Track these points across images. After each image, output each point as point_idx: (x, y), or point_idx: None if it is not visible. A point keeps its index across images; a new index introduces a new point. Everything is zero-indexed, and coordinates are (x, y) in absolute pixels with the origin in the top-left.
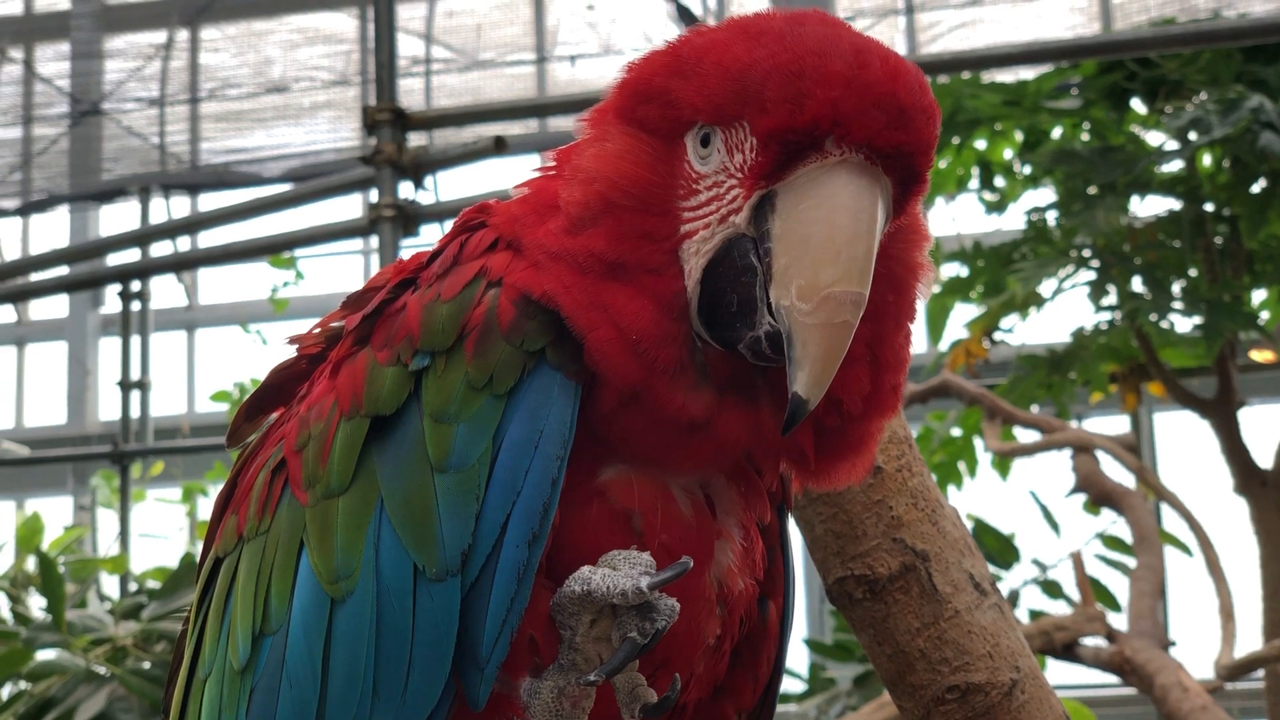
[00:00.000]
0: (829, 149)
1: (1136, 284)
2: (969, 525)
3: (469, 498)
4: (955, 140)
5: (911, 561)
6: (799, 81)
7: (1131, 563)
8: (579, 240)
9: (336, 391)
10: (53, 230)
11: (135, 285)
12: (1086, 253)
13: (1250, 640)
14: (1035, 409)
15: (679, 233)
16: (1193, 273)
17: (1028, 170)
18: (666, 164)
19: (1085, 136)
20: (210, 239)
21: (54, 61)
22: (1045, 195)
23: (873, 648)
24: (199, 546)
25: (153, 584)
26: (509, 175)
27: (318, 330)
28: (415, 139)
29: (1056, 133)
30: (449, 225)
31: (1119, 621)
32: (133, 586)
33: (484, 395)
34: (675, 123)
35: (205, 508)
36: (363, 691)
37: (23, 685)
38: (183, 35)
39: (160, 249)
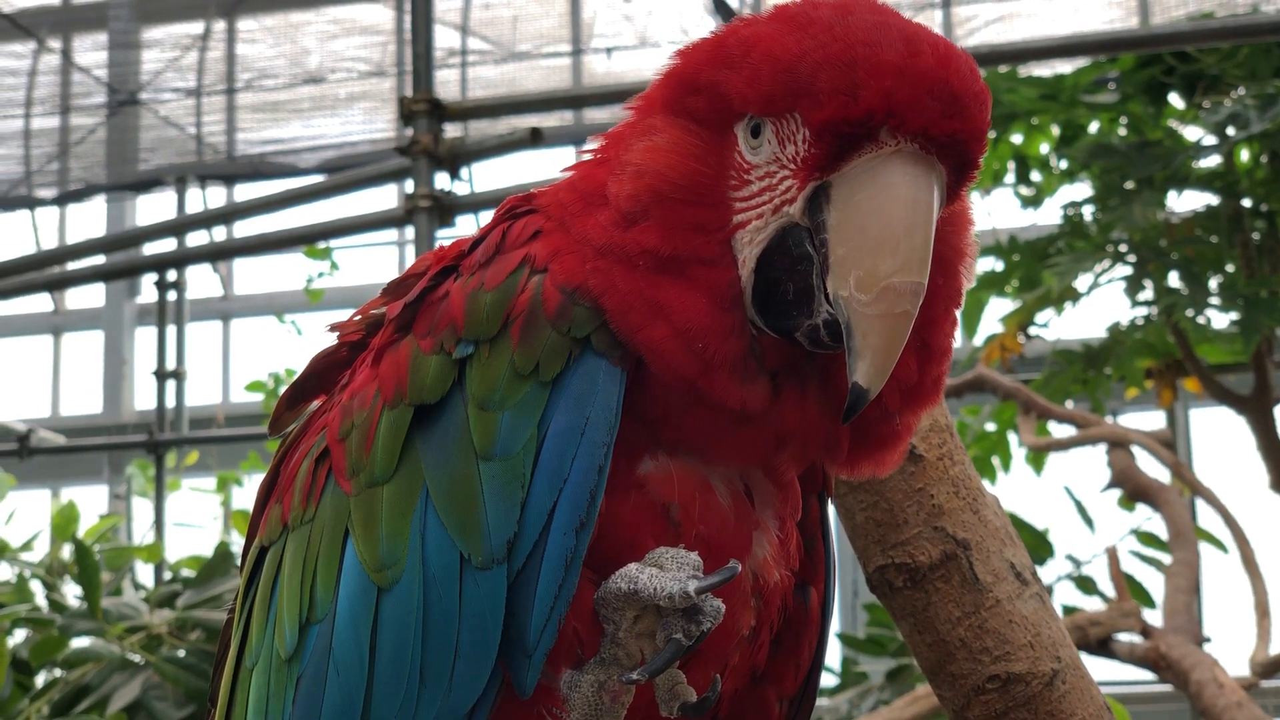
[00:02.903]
0: (884, 139)
1: (1173, 279)
2: None
3: (514, 485)
4: (991, 134)
5: (952, 550)
6: (852, 72)
7: (1166, 559)
8: (630, 235)
9: (379, 380)
10: (89, 220)
11: (171, 275)
12: (1123, 248)
13: None
14: (1070, 404)
15: (731, 223)
16: (1230, 268)
17: (1064, 165)
18: (717, 155)
19: (1122, 131)
20: (246, 229)
21: (92, 51)
22: (1082, 190)
23: (913, 636)
24: (233, 536)
25: (187, 573)
26: (544, 166)
27: (358, 318)
28: (451, 130)
29: (1093, 127)
30: (484, 216)
31: (1154, 617)
32: (167, 575)
33: (529, 382)
34: (725, 114)
35: (239, 497)
36: (409, 679)
37: (58, 672)
38: (220, 26)
39: (196, 239)
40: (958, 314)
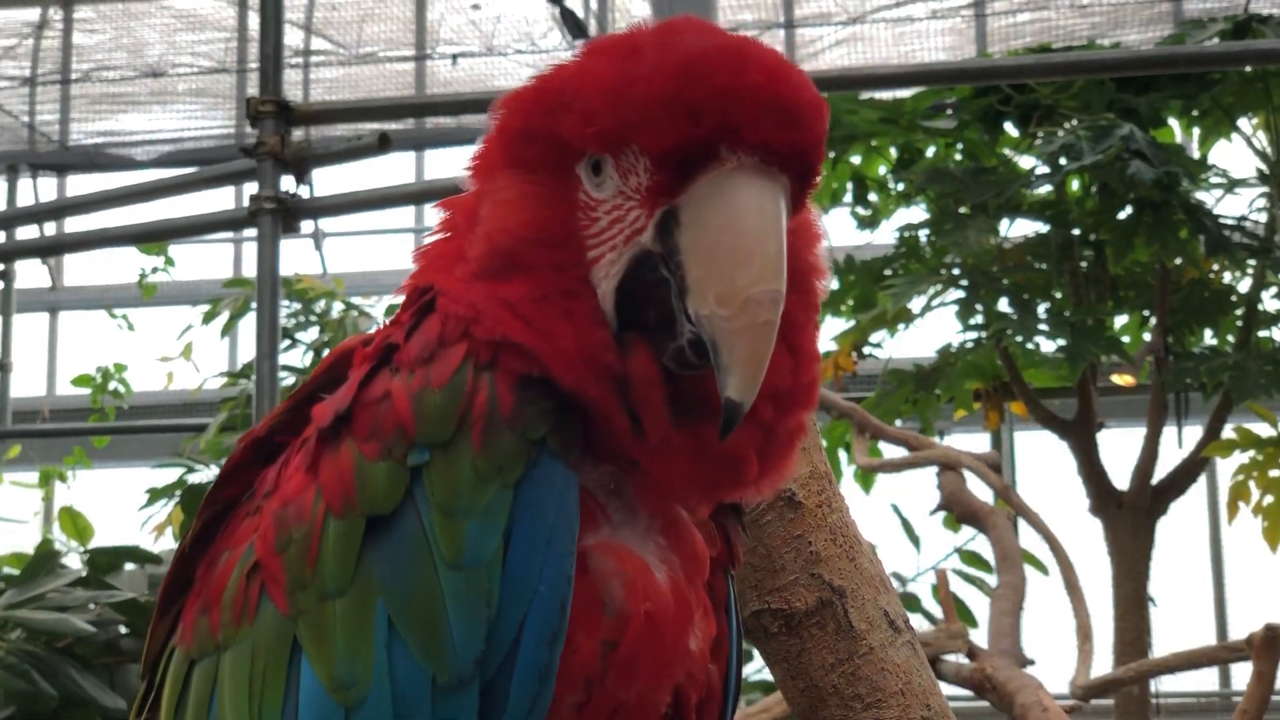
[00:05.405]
0: (724, 156)
1: (1003, 304)
2: None
3: (480, 598)
4: (831, 155)
5: (828, 597)
6: (684, 95)
7: (990, 579)
8: (498, 288)
9: (321, 488)
10: None
11: None
12: (956, 271)
13: (1100, 660)
14: (899, 424)
15: (587, 259)
16: (1058, 295)
17: (901, 187)
18: (561, 197)
19: (959, 157)
20: (79, 223)
21: None
22: (918, 213)
23: (786, 682)
24: (56, 531)
25: (9, 570)
26: (387, 171)
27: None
28: (295, 132)
29: (931, 152)
30: (325, 222)
31: (978, 637)
32: None
33: (493, 486)
34: (564, 156)
35: (61, 493)
36: None
37: None
38: (57, 14)
39: (26, 232)
40: (817, 323)
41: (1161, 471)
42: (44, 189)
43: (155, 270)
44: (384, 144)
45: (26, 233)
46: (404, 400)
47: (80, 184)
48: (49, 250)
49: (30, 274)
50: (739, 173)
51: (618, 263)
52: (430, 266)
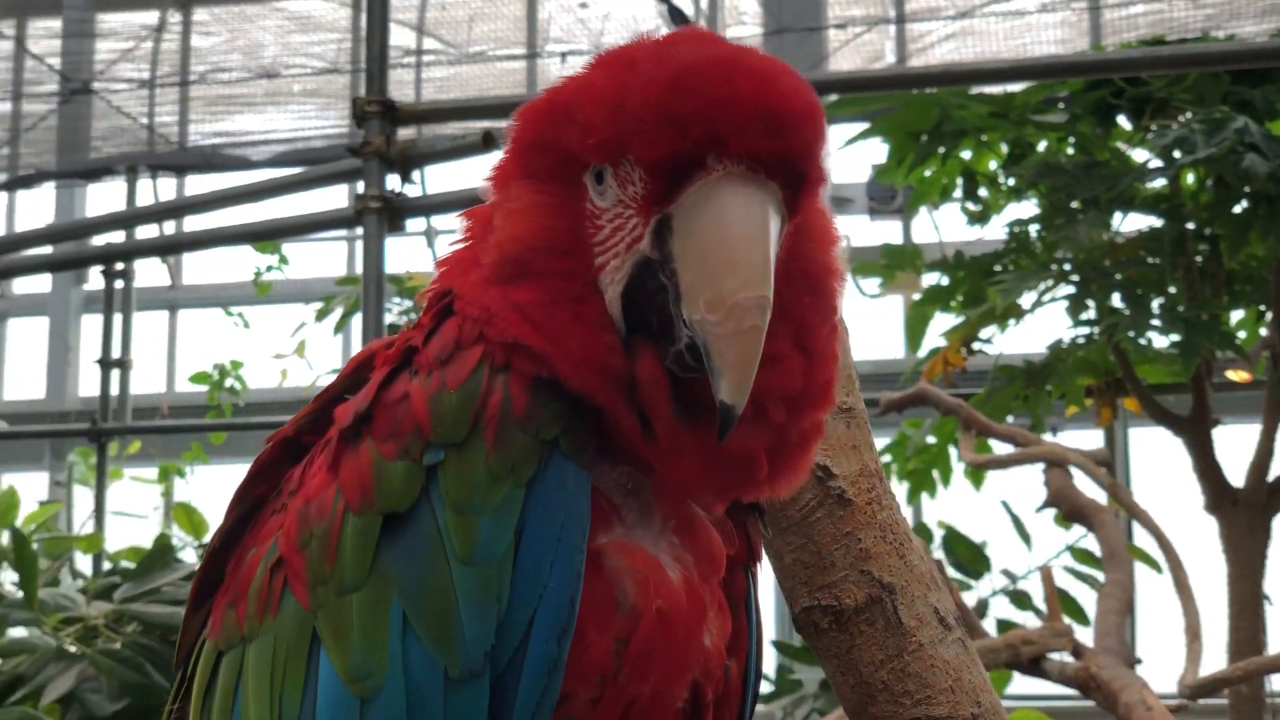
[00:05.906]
0: (711, 165)
1: (1116, 300)
2: (940, 533)
3: (491, 594)
4: (941, 150)
5: (878, 594)
6: (672, 107)
7: (1101, 576)
8: (510, 292)
9: (342, 486)
10: (38, 206)
11: (119, 264)
12: (1067, 267)
13: (1215, 659)
14: (1010, 420)
15: (594, 266)
16: (1172, 290)
17: (1012, 182)
18: (569, 207)
19: (1070, 151)
20: (196, 222)
21: (45, 39)
22: (1028, 208)
23: (837, 677)
24: (174, 528)
25: (126, 564)
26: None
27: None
28: (403, 131)
29: (1042, 146)
30: (435, 220)
31: (1086, 635)
32: (106, 565)
33: (505, 485)
34: (571, 167)
35: (181, 488)
36: None
37: None
38: (175, 17)
39: (145, 231)
40: (835, 324)
41: (1278, 468)
42: (163, 189)
43: (270, 269)
44: (488, 142)
45: (146, 232)
46: (421, 401)
47: (198, 184)
48: (168, 249)
49: (150, 273)
50: (726, 181)
51: (621, 269)
52: (450, 272)
